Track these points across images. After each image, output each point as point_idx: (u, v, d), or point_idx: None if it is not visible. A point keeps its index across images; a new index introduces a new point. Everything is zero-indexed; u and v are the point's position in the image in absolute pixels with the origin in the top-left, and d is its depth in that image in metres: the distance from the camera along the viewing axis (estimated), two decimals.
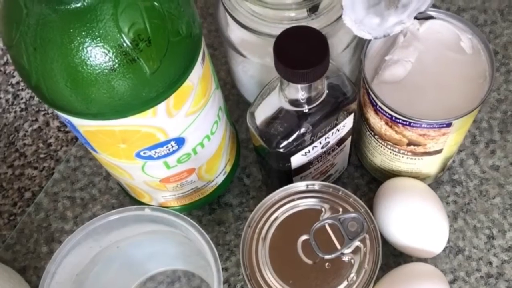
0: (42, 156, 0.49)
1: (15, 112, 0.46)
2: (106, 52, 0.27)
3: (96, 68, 0.27)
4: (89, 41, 0.27)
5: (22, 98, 0.46)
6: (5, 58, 0.43)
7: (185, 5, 0.31)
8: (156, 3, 0.28)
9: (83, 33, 0.27)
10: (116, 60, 0.27)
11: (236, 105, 0.52)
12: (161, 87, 0.30)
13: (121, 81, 0.28)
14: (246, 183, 0.48)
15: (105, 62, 0.27)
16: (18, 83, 0.45)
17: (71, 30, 0.26)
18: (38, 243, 0.46)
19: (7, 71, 0.44)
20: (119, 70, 0.28)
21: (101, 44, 0.27)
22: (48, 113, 0.49)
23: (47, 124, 0.49)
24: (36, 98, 0.47)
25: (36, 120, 0.48)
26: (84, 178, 0.49)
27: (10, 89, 0.45)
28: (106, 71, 0.28)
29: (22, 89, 0.46)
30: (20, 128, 0.47)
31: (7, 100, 0.45)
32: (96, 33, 0.27)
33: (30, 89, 0.30)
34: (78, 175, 0.49)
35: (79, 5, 0.26)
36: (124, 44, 0.27)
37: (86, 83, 0.28)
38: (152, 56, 0.28)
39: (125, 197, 0.47)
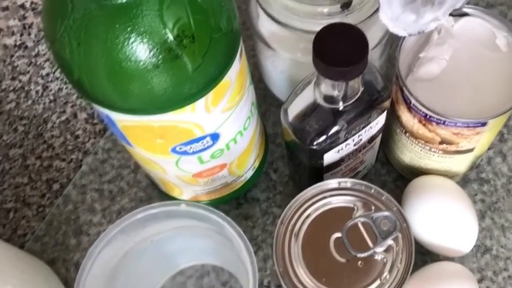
0: (70, 148, 0.49)
1: (44, 103, 0.46)
2: (151, 48, 0.27)
3: (140, 64, 0.27)
4: (134, 36, 0.27)
5: (51, 90, 0.46)
6: (36, 50, 0.43)
7: (226, 0, 0.31)
8: None
9: (129, 29, 0.26)
10: (160, 56, 0.27)
11: (263, 99, 0.52)
12: (201, 83, 0.30)
13: (163, 77, 0.28)
14: (273, 178, 0.48)
15: (149, 58, 0.27)
16: (48, 74, 0.45)
17: (117, 26, 0.26)
18: (67, 235, 0.47)
19: (37, 63, 0.44)
20: (163, 67, 0.28)
21: (146, 40, 0.27)
22: (75, 105, 0.49)
23: (75, 116, 0.49)
24: (64, 90, 0.47)
25: (64, 111, 0.48)
26: (112, 170, 0.49)
27: (40, 80, 0.45)
28: (150, 67, 0.27)
29: (51, 81, 0.46)
30: (48, 120, 0.47)
31: (37, 92, 0.45)
32: (142, 29, 0.27)
33: (71, 83, 0.30)
34: (106, 168, 0.49)
35: (125, 0, 0.26)
36: (169, 40, 0.27)
37: (130, 79, 0.28)
38: (195, 52, 0.28)
39: (154, 190, 0.48)
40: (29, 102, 0.45)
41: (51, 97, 0.46)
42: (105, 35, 0.27)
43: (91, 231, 0.47)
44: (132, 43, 0.27)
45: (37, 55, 0.43)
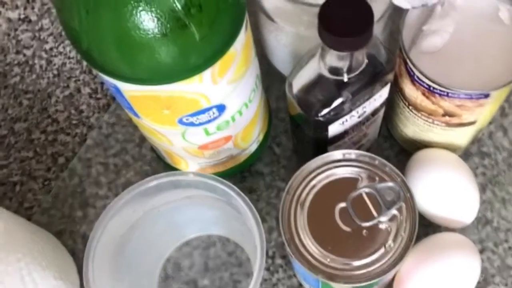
0: (74, 122, 0.49)
1: (48, 78, 0.46)
2: (159, 16, 0.27)
3: (149, 33, 0.27)
4: (143, 5, 0.27)
5: (55, 64, 0.46)
6: (39, 24, 0.43)
7: None
8: None
9: None
10: (168, 25, 0.28)
11: (265, 74, 0.51)
12: (208, 54, 0.30)
13: (171, 47, 0.28)
14: (276, 152, 0.49)
15: (157, 27, 0.27)
16: (51, 49, 0.45)
17: None
18: (73, 208, 0.47)
19: (41, 37, 0.44)
20: (171, 36, 0.28)
21: (154, 8, 0.27)
22: (79, 80, 0.49)
23: (79, 90, 0.49)
24: (68, 65, 0.47)
25: (68, 86, 0.48)
26: (117, 144, 0.49)
27: (44, 55, 0.45)
28: (158, 36, 0.28)
29: (55, 55, 0.46)
30: (52, 94, 0.47)
31: (41, 66, 0.45)
32: None
33: (80, 53, 0.30)
34: (111, 142, 0.49)
35: None
36: (177, 9, 0.27)
37: (138, 48, 0.28)
38: (202, 22, 0.29)
39: (159, 164, 0.48)
40: (33, 76, 0.45)
41: (55, 72, 0.46)
42: (114, 3, 0.27)
43: (97, 203, 0.47)
44: (141, 11, 0.27)
45: (40, 29, 0.43)
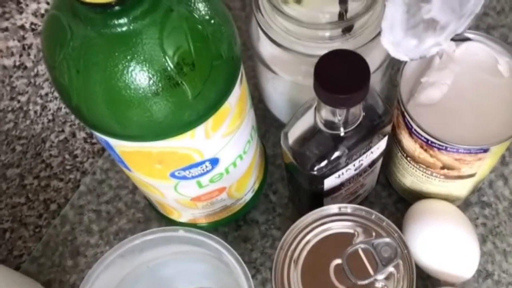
0: (68, 167, 0.49)
1: (42, 123, 0.46)
2: (151, 76, 0.27)
3: (140, 92, 0.27)
4: (134, 65, 0.26)
5: (50, 109, 0.46)
6: (35, 70, 0.43)
7: (226, 27, 0.30)
8: (200, 26, 0.28)
9: (128, 57, 0.26)
10: (160, 84, 0.27)
11: (262, 120, 0.51)
12: (201, 110, 0.30)
13: (163, 105, 0.28)
14: (272, 199, 0.48)
15: (149, 86, 0.27)
16: (47, 94, 0.45)
17: (116, 54, 0.26)
18: (63, 257, 0.46)
19: (37, 83, 0.44)
20: (163, 94, 0.27)
21: (146, 68, 0.27)
22: (74, 124, 0.49)
23: (74, 135, 0.49)
24: (63, 109, 0.47)
25: (63, 131, 0.48)
26: (110, 191, 0.49)
27: (39, 100, 0.45)
28: (150, 95, 0.27)
29: (50, 100, 0.46)
30: (47, 139, 0.47)
31: (35, 112, 0.45)
32: (142, 57, 0.26)
33: (69, 109, 0.30)
34: (104, 188, 0.49)
35: (124, 29, 0.26)
36: (169, 68, 0.27)
37: (129, 106, 0.28)
38: (195, 80, 0.28)
39: (152, 212, 0.47)
40: (28, 122, 0.44)
41: (50, 117, 0.46)
42: (104, 63, 0.26)
43: (88, 252, 0.46)
44: (132, 71, 0.26)
45: (36, 75, 0.43)
